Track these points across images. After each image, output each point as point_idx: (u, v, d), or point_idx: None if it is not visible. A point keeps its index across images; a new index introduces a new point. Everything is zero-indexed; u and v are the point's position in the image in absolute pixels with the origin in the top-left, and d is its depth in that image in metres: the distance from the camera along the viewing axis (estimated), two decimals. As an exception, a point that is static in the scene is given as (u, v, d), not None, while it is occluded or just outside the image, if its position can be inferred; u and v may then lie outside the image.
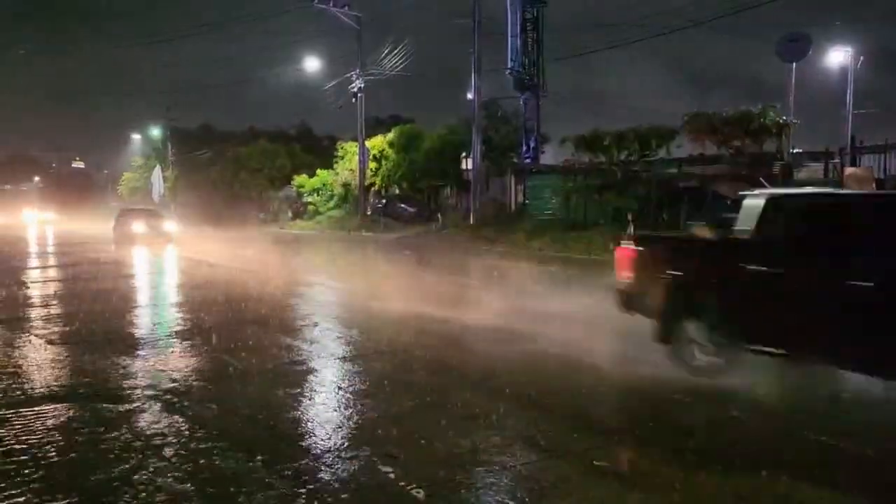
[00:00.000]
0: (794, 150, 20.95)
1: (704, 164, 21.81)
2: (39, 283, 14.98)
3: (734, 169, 20.61)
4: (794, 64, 20.49)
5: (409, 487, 4.08)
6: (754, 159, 20.31)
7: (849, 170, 19.05)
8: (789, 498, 4.05)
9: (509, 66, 29.36)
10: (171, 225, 25.21)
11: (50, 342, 8.14)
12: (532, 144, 30.44)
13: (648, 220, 21.83)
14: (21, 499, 3.91)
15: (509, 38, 29.34)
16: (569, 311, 10.25)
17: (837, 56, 27.92)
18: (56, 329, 9.01)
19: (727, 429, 5.25)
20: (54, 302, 11.77)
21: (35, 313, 10.28)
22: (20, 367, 6.93)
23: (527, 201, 28.09)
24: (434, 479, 4.19)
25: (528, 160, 30.13)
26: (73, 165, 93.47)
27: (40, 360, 7.26)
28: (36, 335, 8.50)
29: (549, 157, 32.85)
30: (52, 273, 17.46)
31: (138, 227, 24.04)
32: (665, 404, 5.82)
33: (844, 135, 24.51)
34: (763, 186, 19.03)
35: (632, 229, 20.92)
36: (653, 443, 4.90)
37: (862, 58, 27.79)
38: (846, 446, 4.83)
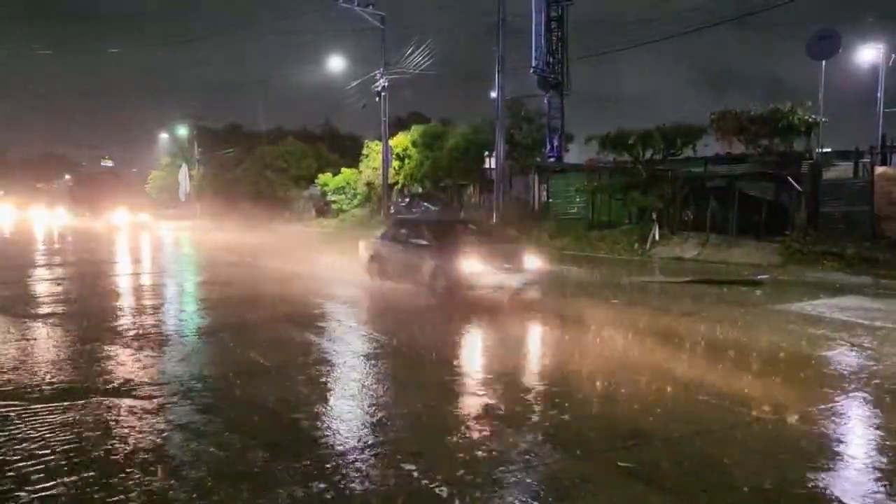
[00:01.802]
0: (823, 150, 20.64)
1: (731, 162, 21.57)
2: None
3: (761, 168, 20.38)
4: (824, 62, 20.17)
5: (431, 485, 4.09)
6: (782, 158, 20.04)
7: (879, 169, 18.73)
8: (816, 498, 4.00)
9: (534, 64, 29.23)
10: (533, 259, 11.80)
11: None
12: (556, 143, 30.29)
13: (674, 220, 21.66)
14: (53, 491, 3.99)
15: (534, 37, 29.22)
16: (594, 312, 10.20)
17: (869, 53, 27.41)
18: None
19: (754, 430, 5.19)
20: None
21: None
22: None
23: (550, 200, 27.98)
24: (457, 477, 4.20)
25: (551, 159, 30.00)
26: (102, 164, 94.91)
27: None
28: None
29: (573, 155, 32.70)
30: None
31: (475, 263, 10.63)
32: (691, 405, 5.76)
33: (875, 133, 24.09)
34: (792, 186, 18.88)
35: (656, 229, 20.84)
36: (678, 444, 4.86)
37: (894, 55, 27.26)
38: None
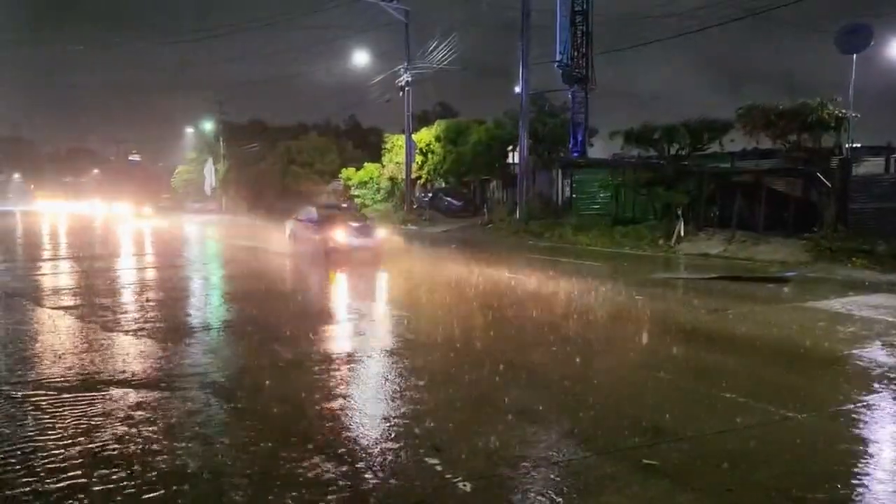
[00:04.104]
0: (854, 145, 20.25)
1: (759, 158, 21.26)
2: None
3: (790, 163, 20.07)
4: (854, 56, 19.75)
5: (455, 480, 4.09)
6: (811, 154, 19.70)
7: (912, 165, 18.36)
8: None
9: (558, 58, 29.03)
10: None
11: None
12: (580, 138, 30.09)
13: (699, 216, 21.43)
14: (80, 480, 4.05)
15: (558, 31, 29.02)
16: (617, 308, 10.13)
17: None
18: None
19: (782, 429, 5.12)
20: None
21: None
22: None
23: (574, 196, 27.84)
24: (480, 473, 4.19)
25: (575, 154, 29.82)
26: (130, 159, 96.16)
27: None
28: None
29: (596, 150, 32.50)
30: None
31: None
32: (717, 402, 5.70)
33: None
34: (821, 182, 18.58)
35: (682, 225, 20.62)
36: (704, 442, 4.81)
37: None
38: None
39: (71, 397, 5.59)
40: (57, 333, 8.18)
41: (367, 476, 4.15)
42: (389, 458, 4.43)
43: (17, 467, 4.21)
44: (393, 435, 4.86)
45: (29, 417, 5.15)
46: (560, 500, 3.88)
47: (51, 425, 4.95)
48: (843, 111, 19.31)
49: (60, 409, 5.29)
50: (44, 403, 5.44)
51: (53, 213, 54.64)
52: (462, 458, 4.42)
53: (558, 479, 4.16)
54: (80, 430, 4.82)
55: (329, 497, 3.87)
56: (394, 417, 5.25)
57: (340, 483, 4.05)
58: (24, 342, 7.66)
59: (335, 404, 5.56)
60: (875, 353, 7.57)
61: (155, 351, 7.25)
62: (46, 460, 4.31)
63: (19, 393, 5.73)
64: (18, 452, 4.43)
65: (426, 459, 4.38)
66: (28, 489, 3.92)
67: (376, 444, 4.67)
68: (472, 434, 4.84)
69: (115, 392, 5.76)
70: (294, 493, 3.90)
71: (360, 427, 5.02)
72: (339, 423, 5.10)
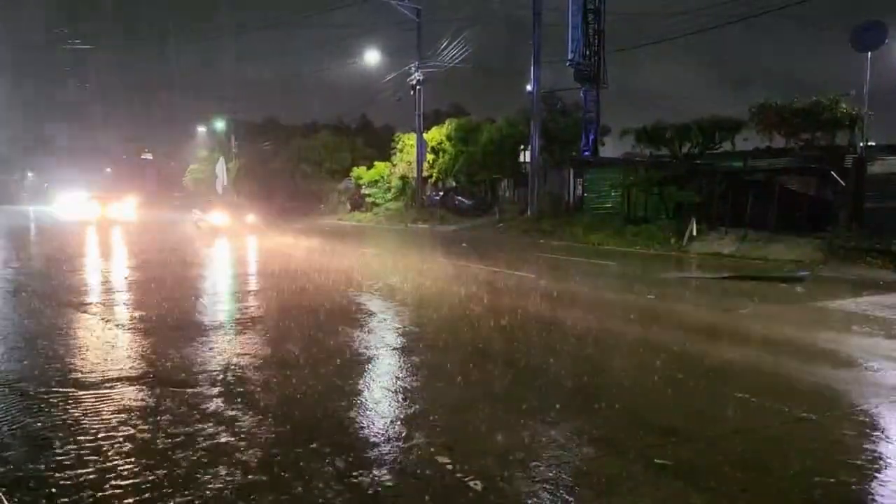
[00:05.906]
0: (869, 143, 20.09)
1: (772, 157, 21.15)
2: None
3: (803, 162, 19.94)
4: (869, 53, 19.58)
5: (465, 479, 4.07)
6: (825, 152, 19.56)
7: (928, 163, 18.18)
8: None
9: (570, 57, 28.97)
10: None
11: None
12: (591, 137, 30.00)
13: (712, 215, 21.32)
14: (91, 477, 4.07)
15: (570, 29, 28.94)
16: (630, 307, 10.10)
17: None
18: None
19: (797, 430, 5.07)
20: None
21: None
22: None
23: (585, 195, 27.80)
24: (491, 472, 4.18)
25: (587, 153, 29.74)
26: (142, 157, 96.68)
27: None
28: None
29: (607, 149, 32.40)
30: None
31: None
32: (731, 403, 5.65)
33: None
34: (835, 181, 18.44)
35: (693, 224, 20.53)
36: (717, 442, 4.77)
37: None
38: None
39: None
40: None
41: (376, 474, 4.15)
42: (400, 456, 4.42)
43: (25, 465, 4.23)
44: (403, 433, 4.84)
45: (43, 414, 5.17)
46: (571, 499, 3.86)
47: (62, 422, 4.97)
48: (857, 108, 19.17)
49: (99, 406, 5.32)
50: (53, 400, 5.47)
51: (99, 221, 35.42)
52: (473, 456, 4.40)
53: (569, 478, 4.13)
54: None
55: (337, 496, 3.87)
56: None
57: (349, 481, 4.04)
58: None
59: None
60: (891, 353, 7.50)
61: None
62: (53, 455, 4.33)
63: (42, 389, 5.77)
64: (32, 447, 4.46)
65: (437, 458, 4.37)
66: (31, 487, 3.94)
67: (387, 441, 4.67)
68: (483, 432, 4.83)
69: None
70: (302, 491, 3.90)
71: (371, 425, 5.02)
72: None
